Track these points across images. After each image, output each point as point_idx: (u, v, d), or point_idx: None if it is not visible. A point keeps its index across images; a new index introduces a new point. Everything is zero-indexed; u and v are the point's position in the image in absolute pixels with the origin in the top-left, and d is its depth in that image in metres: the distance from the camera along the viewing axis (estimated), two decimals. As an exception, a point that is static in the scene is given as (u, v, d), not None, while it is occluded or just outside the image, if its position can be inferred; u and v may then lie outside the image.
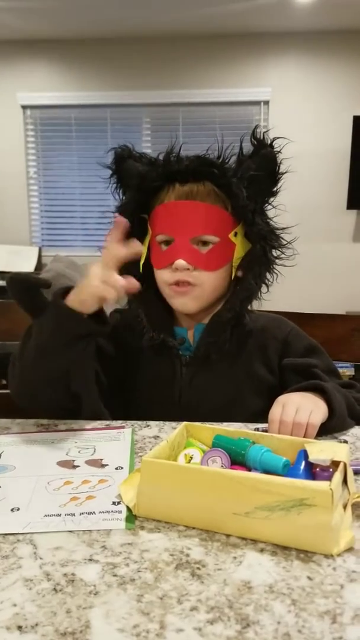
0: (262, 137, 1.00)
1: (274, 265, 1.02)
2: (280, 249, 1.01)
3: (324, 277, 4.48)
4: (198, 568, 0.53)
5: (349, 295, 4.40)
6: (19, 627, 0.45)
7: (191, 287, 0.99)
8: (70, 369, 0.91)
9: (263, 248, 0.99)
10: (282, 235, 1.02)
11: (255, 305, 1.09)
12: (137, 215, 1.02)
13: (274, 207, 1.03)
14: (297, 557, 0.55)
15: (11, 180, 4.71)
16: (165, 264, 1.00)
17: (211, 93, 4.43)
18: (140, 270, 1.03)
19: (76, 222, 4.83)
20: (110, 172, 1.06)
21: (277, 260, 1.02)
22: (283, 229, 1.03)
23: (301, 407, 0.84)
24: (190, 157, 1.00)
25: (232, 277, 1.02)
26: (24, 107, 4.64)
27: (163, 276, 1.01)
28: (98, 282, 0.85)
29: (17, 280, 0.99)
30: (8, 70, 4.58)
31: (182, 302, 1.02)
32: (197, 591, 0.49)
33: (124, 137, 4.59)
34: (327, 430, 0.87)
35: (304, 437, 0.81)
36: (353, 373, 2.89)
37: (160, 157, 1.02)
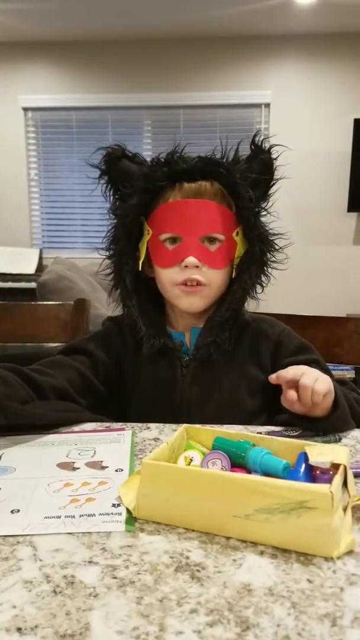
0: (260, 143, 1.02)
1: (268, 268, 1.04)
2: (274, 252, 1.03)
3: (324, 279, 4.49)
4: (198, 570, 0.53)
5: (349, 298, 4.40)
6: (19, 629, 0.45)
7: (200, 286, 1.00)
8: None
9: (261, 250, 1.01)
10: (277, 239, 1.04)
11: (255, 307, 1.09)
12: (138, 218, 1.02)
13: (268, 212, 1.05)
14: (297, 560, 0.55)
15: (12, 182, 4.72)
16: (172, 262, 1.00)
17: (212, 95, 4.45)
18: (140, 269, 1.03)
19: (77, 224, 4.84)
20: (98, 172, 1.04)
21: (271, 263, 1.04)
22: (278, 234, 1.05)
23: (307, 373, 0.86)
24: (195, 157, 1.00)
25: (233, 276, 1.03)
26: (25, 109, 4.65)
27: (170, 275, 1.01)
28: None
29: None
30: (9, 72, 4.59)
31: (190, 302, 1.02)
32: (197, 594, 0.49)
33: (125, 139, 4.59)
34: (332, 422, 0.88)
35: (311, 401, 0.85)
36: (354, 375, 2.89)
37: (161, 158, 1.01)
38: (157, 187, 1.00)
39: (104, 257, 1.06)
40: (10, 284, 4.22)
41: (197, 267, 0.99)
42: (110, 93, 4.52)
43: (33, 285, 3.77)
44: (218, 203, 1.00)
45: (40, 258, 4.55)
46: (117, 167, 1.03)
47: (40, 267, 4.44)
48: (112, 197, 1.05)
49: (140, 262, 1.03)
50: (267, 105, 4.45)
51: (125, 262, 1.04)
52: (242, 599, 0.48)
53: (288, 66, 4.40)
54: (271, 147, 1.03)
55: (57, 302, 1.61)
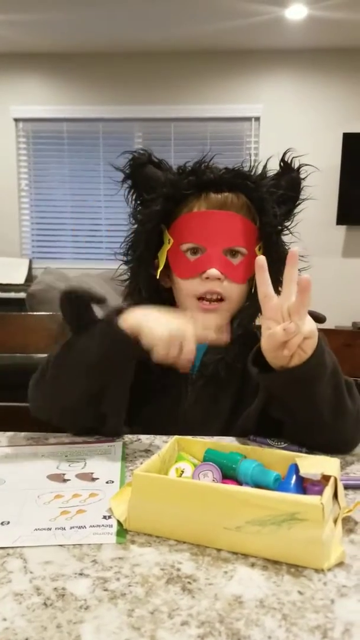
0: (290, 161, 1.05)
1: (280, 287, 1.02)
2: None
3: (313, 291, 4.48)
4: (189, 582, 0.53)
5: (338, 310, 4.43)
6: (9, 642, 0.45)
7: (220, 302, 0.99)
8: (107, 390, 0.89)
9: (279, 269, 0.98)
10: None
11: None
12: (159, 225, 1.01)
13: (290, 232, 1.05)
14: (287, 572, 0.55)
15: (2, 193, 4.73)
16: (193, 273, 0.98)
17: (203, 109, 4.49)
18: (157, 277, 1.02)
19: (67, 234, 4.84)
20: (122, 177, 1.03)
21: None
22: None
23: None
24: (222, 168, 1.00)
25: (252, 291, 1.01)
26: (17, 120, 4.67)
27: (189, 287, 1.00)
28: (169, 335, 0.81)
29: (74, 294, 0.89)
30: (1, 83, 4.61)
31: (207, 317, 1.00)
32: (188, 606, 0.49)
33: (116, 151, 4.62)
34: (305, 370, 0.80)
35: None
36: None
37: (188, 167, 1.00)
38: (181, 195, 0.99)
39: (122, 262, 1.04)
40: (-1, 294, 4.21)
41: (218, 279, 0.97)
42: (102, 105, 4.55)
43: (22, 295, 3.75)
44: (243, 216, 0.99)
45: (30, 268, 4.54)
46: (142, 173, 1.02)
47: (29, 278, 4.44)
48: (134, 203, 1.04)
49: (159, 271, 1.02)
50: (257, 118, 4.49)
51: (143, 269, 1.02)
52: (233, 611, 0.48)
53: (278, 80, 4.45)
54: (300, 166, 1.05)
55: (48, 313, 1.61)
